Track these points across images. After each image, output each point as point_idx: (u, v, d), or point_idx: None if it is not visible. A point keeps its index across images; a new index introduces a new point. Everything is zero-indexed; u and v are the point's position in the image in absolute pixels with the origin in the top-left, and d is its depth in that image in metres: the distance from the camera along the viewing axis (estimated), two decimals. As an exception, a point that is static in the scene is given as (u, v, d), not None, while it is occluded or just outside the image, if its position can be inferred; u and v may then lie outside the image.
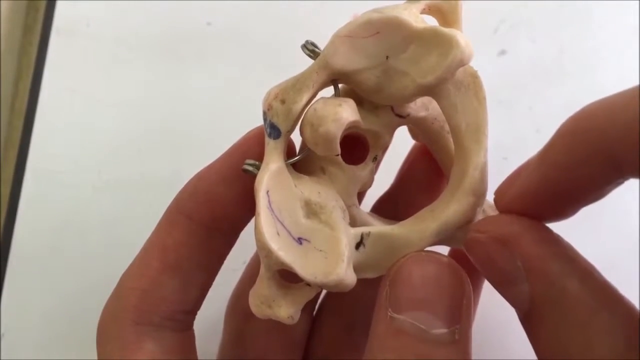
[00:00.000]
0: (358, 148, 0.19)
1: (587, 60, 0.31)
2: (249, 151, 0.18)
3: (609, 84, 0.31)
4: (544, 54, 0.31)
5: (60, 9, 0.27)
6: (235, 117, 0.28)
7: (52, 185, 0.27)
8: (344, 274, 0.16)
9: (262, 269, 0.17)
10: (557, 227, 0.30)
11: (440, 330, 0.15)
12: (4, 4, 0.29)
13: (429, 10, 0.18)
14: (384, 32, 0.17)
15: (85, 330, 0.27)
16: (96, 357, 0.26)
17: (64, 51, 0.27)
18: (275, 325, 0.20)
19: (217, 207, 0.19)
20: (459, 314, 0.16)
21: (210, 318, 0.22)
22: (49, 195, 0.27)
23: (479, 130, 0.18)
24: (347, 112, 0.17)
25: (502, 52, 0.31)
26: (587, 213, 0.30)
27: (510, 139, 0.30)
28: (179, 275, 0.19)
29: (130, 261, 0.21)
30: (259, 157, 0.18)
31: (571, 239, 0.29)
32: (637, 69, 0.31)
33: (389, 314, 0.16)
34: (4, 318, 0.26)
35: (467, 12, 0.30)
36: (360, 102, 0.18)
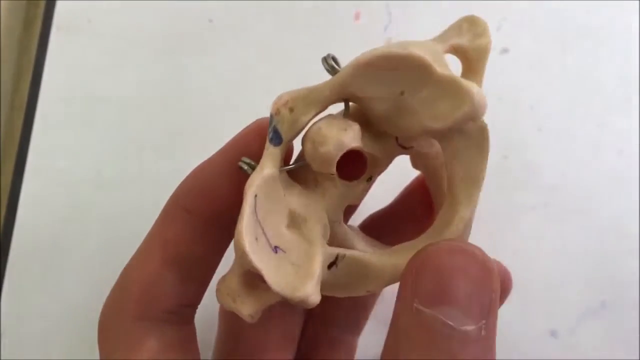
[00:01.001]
0: (355, 165, 0.19)
1: (590, 59, 0.31)
2: (247, 145, 0.18)
3: (610, 83, 0.31)
4: (546, 52, 0.31)
5: (60, 5, 0.27)
6: (236, 114, 0.28)
7: (52, 183, 0.27)
8: (310, 293, 0.16)
9: (236, 265, 0.17)
10: (558, 228, 0.30)
11: (469, 327, 0.15)
12: (4, 1, 0.29)
13: (455, 51, 0.18)
14: (404, 68, 0.17)
15: (86, 328, 0.27)
16: (95, 355, 0.26)
17: (65, 47, 0.27)
18: (271, 320, 0.21)
19: (215, 201, 0.19)
20: (487, 309, 0.15)
21: (210, 312, 0.22)
22: (49, 193, 0.26)
23: (474, 184, 0.18)
24: (350, 138, 0.17)
25: (504, 51, 0.31)
26: (588, 213, 0.30)
27: (511, 138, 0.30)
28: (178, 269, 0.19)
29: (128, 260, 0.21)
30: (256, 152, 0.18)
31: (571, 238, 0.29)
32: (638, 68, 0.31)
33: (415, 305, 0.15)
34: (4, 316, 0.26)
35: (469, 9, 0.30)
36: (367, 125, 0.18)
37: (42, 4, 0.28)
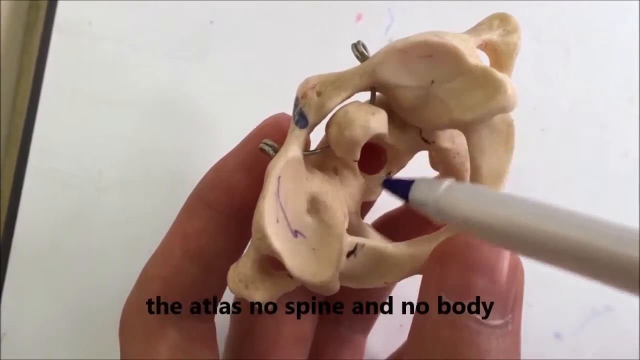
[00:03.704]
0: (374, 158, 0.19)
1: (592, 60, 0.31)
2: (266, 139, 0.18)
3: (614, 84, 0.31)
4: (549, 53, 0.31)
5: (61, 8, 0.27)
6: (237, 115, 0.28)
7: (54, 185, 0.26)
8: (330, 278, 0.16)
9: (251, 250, 0.17)
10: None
11: (496, 322, 0.15)
12: (5, 3, 0.29)
13: (485, 47, 0.18)
14: (437, 57, 0.17)
15: (86, 331, 0.27)
16: (98, 357, 0.26)
17: (66, 50, 0.27)
18: (285, 320, 0.20)
19: (235, 194, 0.19)
20: (513, 303, 0.15)
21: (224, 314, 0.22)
22: (50, 195, 0.26)
23: (498, 178, 0.17)
24: (377, 123, 0.17)
25: (506, 52, 0.31)
26: (588, 211, 0.29)
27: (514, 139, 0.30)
28: (200, 263, 0.19)
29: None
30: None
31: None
32: (641, 69, 0.31)
33: (442, 299, 0.15)
34: (5, 318, 0.26)
35: (470, 11, 0.30)
36: (391, 116, 0.18)
37: (44, 8, 0.28)
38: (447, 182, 0.15)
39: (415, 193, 0.16)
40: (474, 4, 0.30)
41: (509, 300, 0.15)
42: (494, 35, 0.18)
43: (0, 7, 0.28)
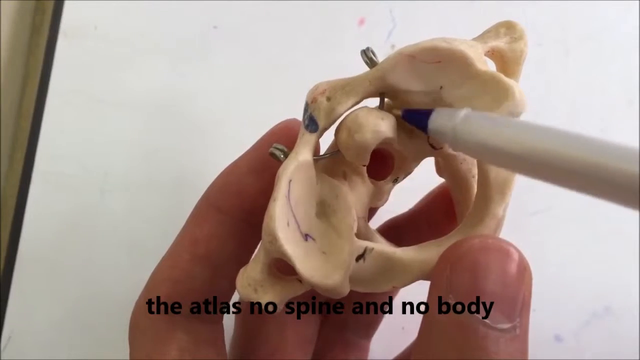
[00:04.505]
0: (382, 164, 0.19)
1: (592, 62, 0.31)
2: (276, 143, 0.18)
3: (613, 85, 0.31)
4: (548, 55, 0.31)
5: (67, 10, 0.27)
6: (241, 120, 0.28)
7: (59, 188, 0.27)
8: (341, 281, 0.16)
9: (261, 253, 0.17)
10: (561, 233, 0.30)
11: (504, 325, 0.15)
12: (11, 5, 0.29)
13: (492, 54, 0.18)
14: (446, 62, 0.17)
15: (92, 333, 0.27)
16: (104, 359, 0.26)
17: (71, 53, 0.27)
18: (289, 322, 0.20)
19: (246, 199, 0.19)
20: (521, 308, 0.15)
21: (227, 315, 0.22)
22: (56, 198, 0.27)
23: (506, 183, 0.18)
24: (387, 127, 0.17)
25: (508, 56, 0.31)
26: (592, 218, 0.29)
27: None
28: (209, 266, 0.19)
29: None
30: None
31: (572, 238, 0.29)
32: (641, 72, 0.31)
33: (451, 302, 0.15)
34: (11, 322, 0.26)
35: (472, 13, 0.30)
36: (399, 122, 0.18)
37: (49, 11, 0.28)
38: (465, 111, 0.15)
39: (433, 122, 0.16)
40: (475, 8, 0.30)
41: (517, 304, 0.15)
42: (500, 43, 0.18)
43: (5, 10, 0.29)
